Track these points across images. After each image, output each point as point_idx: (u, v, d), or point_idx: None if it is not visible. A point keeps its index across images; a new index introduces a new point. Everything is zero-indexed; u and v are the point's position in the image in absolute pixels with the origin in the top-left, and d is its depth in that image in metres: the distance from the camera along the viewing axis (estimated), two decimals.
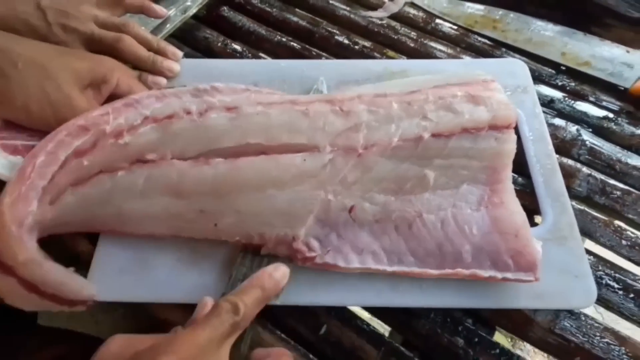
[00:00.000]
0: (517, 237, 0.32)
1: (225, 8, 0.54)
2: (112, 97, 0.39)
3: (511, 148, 0.35)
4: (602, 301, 0.35)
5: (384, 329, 0.36)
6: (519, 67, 0.44)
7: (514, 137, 0.35)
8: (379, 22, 0.54)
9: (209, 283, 0.33)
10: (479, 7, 0.53)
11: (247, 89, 0.38)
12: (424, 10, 0.55)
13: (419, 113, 0.35)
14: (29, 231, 0.30)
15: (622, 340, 0.33)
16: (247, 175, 0.33)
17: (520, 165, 0.39)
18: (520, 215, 0.34)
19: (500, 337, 0.36)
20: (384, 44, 0.52)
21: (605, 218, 0.38)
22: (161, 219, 0.34)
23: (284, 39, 0.52)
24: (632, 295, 0.35)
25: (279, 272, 0.30)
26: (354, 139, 0.34)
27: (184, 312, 0.32)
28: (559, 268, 0.34)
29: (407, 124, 0.35)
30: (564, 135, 0.43)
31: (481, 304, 0.33)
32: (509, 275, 0.32)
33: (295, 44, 0.51)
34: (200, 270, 0.34)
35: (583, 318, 0.34)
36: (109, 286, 0.33)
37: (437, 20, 0.54)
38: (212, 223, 0.33)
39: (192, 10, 0.52)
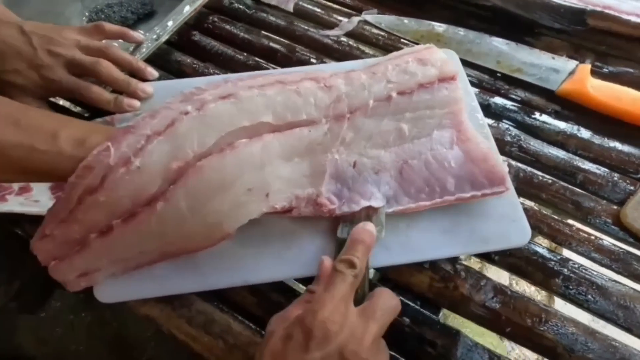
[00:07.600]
0: (485, 160, 0.40)
1: (195, 32, 0.59)
2: None
3: (460, 94, 0.42)
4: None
5: None
6: (449, 55, 0.51)
7: (459, 85, 0.43)
8: (336, 39, 0.59)
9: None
10: (424, 23, 0.59)
11: (227, 81, 0.40)
12: (377, 27, 0.60)
13: (383, 79, 0.42)
14: None
15: (545, 310, 0.39)
16: (275, 149, 0.38)
17: None
18: (484, 143, 0.41)
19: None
20: (341, 59, 0.57)
21: (532, 205, 0.44)
22: (231, 215, 0.35)
23: (249, 59, 0.57)
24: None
25: (369, 225, 0.37)
26: (340, 108, 0.41)
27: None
28: (499, 215, 0.40)
29: (377, 88, 0.41)
30: (498, 133, 0.49)
31: (442, 254, 0.40)
32: (486, 191, 0.39)
33: (260, 62, 0.56)
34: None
35: (509, 293, 0.39)
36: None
37: (388, 36, 0.59)
38: (264, 194, 0.36)
39: (164, 37, 0.57)
